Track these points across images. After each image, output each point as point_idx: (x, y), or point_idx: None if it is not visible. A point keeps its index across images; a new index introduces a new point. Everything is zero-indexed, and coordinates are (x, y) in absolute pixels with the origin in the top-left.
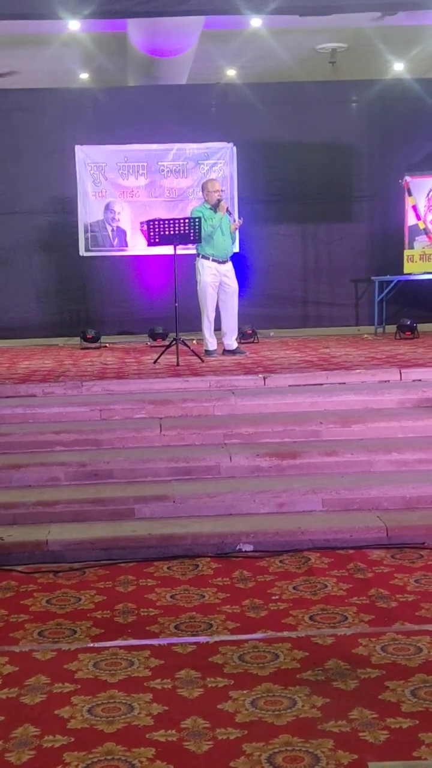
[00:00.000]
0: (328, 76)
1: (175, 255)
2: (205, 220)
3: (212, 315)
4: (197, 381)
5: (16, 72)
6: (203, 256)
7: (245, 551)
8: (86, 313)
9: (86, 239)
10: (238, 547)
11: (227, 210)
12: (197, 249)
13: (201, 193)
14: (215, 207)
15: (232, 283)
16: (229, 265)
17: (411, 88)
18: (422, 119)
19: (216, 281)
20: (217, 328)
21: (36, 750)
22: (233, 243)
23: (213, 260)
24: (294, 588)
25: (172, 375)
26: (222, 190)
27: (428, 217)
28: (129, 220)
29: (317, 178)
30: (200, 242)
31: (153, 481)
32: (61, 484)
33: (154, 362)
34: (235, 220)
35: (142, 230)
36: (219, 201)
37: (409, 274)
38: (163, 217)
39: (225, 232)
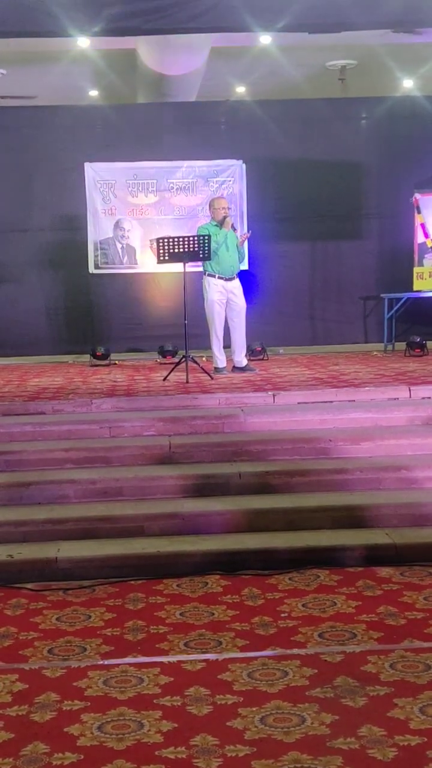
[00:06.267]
0: (337, 93)
1: (184, 272)
2: (209, 235)
3: (221, 332)
4: (207, 398)
5: (35, 96)
6: (209, 274)
7: (254, 569)
8: (96, 331)
9: (96, 256)
10: (247, 565)
11: (232, 226)
12: (204, 267)
13: (208, 211)
14: (221, 223)
15: (240, 301)
16: (236, 282)
17: (421, 105)
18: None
19: (223, 299)
20: (227, 345)
21: None
22: (240, 260)
23: (219, 278)
24: (303, 605)
25: (181, 392)
26: (229, 208)
27: None
28: (138, 238)
29: (326, 196)
30: (210, 260)
31: (162, 498)
32: (71, 501)
33: (164, 379)
34: (240, 235)
35: (151, 247)
36: (225, 218)
37: (419, 291)
38: (172, 235)
39: (230, 248)
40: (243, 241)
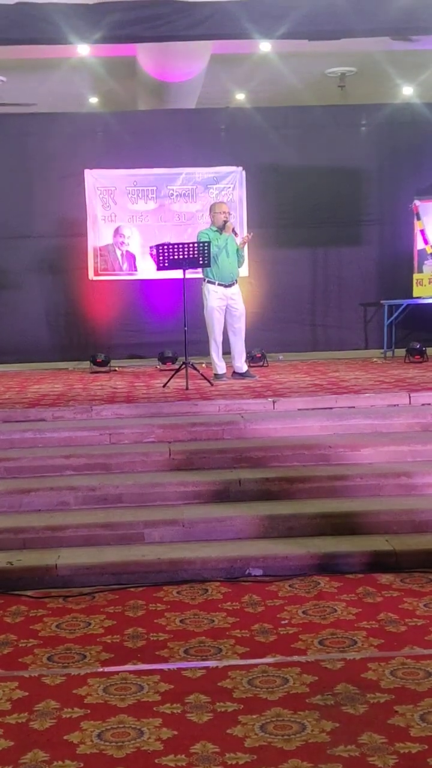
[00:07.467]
0: (337, 100)
1: (184, 279)
2: (210, 241)
3: (220, 339)
4: (206, 405)
5: (35, 104)
6: (209, 281)
7: (254, 575)
8: (96, 337)
9: (96, 263)
10: (247, 572)
11: (233, 230)
12: (203, 273)
13: (208, 215)
14: (221, 228)
15: (239, 306)
16: (236, 288)
17: (420, 112)
18: (431, 143)
19: (222, 305)
20: (227, 351)
21: None
22: (240, 265)
23: (219, 284)
24: (303, 612)
25: (181, 399)
26: (229, 213)
27: None
28: (138, 244)
29: (326, 202)
30: (209, 266)
31: (162, 505)
32: (71, 508)
33: (164, 386)
34: (242, 238)
35: (151, 254)
36: (225, 222)
37: (418, 297)
38: (172, 242)
39: (230, 253)
40: (244, 244)
